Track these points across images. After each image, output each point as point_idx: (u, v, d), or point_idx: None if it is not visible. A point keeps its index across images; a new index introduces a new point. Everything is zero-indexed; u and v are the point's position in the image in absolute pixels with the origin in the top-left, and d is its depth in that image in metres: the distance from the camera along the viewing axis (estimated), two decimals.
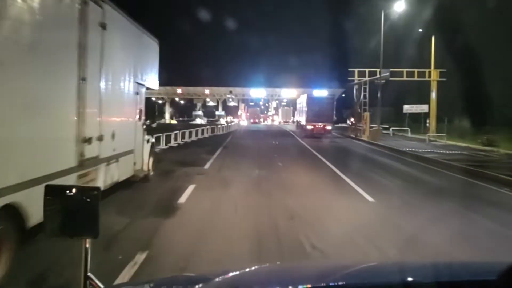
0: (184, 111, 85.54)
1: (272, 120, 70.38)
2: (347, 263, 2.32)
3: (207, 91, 71.73)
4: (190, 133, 23.03)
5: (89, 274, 1.41)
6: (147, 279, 2.63)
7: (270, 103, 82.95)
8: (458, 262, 2.25)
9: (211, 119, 75.00)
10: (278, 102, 78.91)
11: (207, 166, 12.44)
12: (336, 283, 1.44)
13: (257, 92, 71.00)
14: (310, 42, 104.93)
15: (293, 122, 61.40)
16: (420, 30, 32.41)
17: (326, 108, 29.04)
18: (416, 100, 37.51)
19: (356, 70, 31.47)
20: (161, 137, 17.38)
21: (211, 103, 79.01)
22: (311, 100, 29.54)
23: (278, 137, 29.64)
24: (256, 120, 68.26)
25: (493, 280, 1.06)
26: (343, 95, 68.92)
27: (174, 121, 71.32)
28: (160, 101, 76.91)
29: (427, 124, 31.36)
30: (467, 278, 1.44)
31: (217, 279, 1.51)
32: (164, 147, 17.31)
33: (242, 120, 68.36)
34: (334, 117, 32.23)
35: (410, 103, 36.06)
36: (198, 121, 70.54)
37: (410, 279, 1.46)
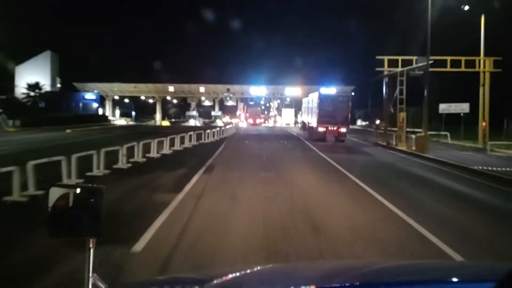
0: (181, 111, 77.83)
1: (275, 122, 63.13)
2: (352, 264, 2.23)
3: (202, 89, 64.57)
4: (161, 143, 15.79)
5: (93, 274, 1.40)
6: (149, 279, 2.27)
7: (272, 103, 75.71)
8: (459, 263, 2.32)
9: (207, 120, 68.01)
10: (280, 101, 71.51)
11: (145, 239, 5.26)
12: (340, 285, 1.42)
13: (258, 90, 63.83)
14: (316, 35, 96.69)
15: (296, 123, 54.36)
16: (466, 7, 25.25)
17: (341, 108, 24.97)
18: (439, 96, 30.53)
19: (385, 58, 24.32)
20: (94, 157, 10.13)
21: (207, 103, 71.80)
22: (323, 99, 25.29)
23: (286, 144, 22.67)
24: (257, 121, 61.02)
25: (497, 282, 1.09)
26: (353, 93, 62.10)
27: (166, 123, 64.27)
28: (150, 100, 69.74)
29: (483, 127, 24.25)
30: (468, 280, 1.44)
31: (220, 280, 1.50)
32: (101, 173, 10.13)
33: (241, 122, 61.17)
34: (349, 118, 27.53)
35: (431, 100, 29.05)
36: (192, 122, 63.49)
37: (413, 280, 1.48)
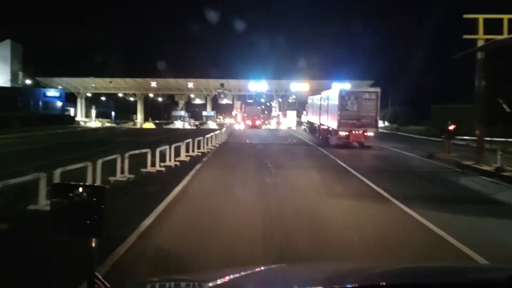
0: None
1: (278, 123, 52.73)
2: (356, 266, 2.20)
3: (190, 84, 54.14)
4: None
5: (95, 273, 1.41)
6: (150, 279, 2.10)
7: (274, 101, 65.39)
8: (463, 266, 2.24)
9: (197, 121, 57.90)
10: (281, 100, 60.71)
11: None
12: (342, 286, 1.43)
13: (258, 86, 53.47)
14: (328, 22, 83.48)
15: (300, 124, 45.30)
16: None
17: (368, 107, 21.14)
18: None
19: (480, 17, 13.94)
20: None
21: (198, 101, 61.29)
22: (345, 96, 21.47)
23: (309, 169, 12.32)
24: (256, 123, 50.51)
25: (500, 282, 1.08)
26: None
27: (149, 125, 53.98)
28: (131, 98, 59.29)
29: None
30: (473, 280, 1.47)
31: (221, 281, 1.50)
32: None
33: (237, 123, 50.87)
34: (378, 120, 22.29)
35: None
36: (178, 124, 53.29)
37: (416, 281, 1.49)
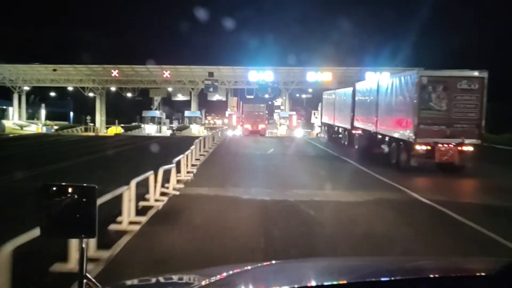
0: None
1: (290, 127, 37.97)
2: (355, 262, 2.22)
3: (167, 73, 39.09)
4: None
5: (86, 274, 1.39)
6: (143, 278, 2.06)
7: (279, 98, 50.80)
8: (457, 259, 2.25)
9: (177, 125, 43.27)
10: (286, 97, 45.33)
11: None
12: (337, 282, 1.42)
13: (261, 76, 38.53)
14: None
15: (310, 132, 36.25)
16: None
17: (466, 104, 13.55)
18: None
19: None
20: None
21: (180, 97, 46.18)
22: (429, 84, 13.67)
23: None
24: (259, 127, 35.91)
25: (494, 275, 1.05)
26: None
27: (115, 129, 39.36)
28: (91, 94, 44.12)
29: None
30: (468, 274, 1.45)
31: (214, 278, 1.47)
32: None
33: (232, 128, 36.14)
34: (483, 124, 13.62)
35: None
36: (149, 129, 38.49)
37: (409, 276, 1.46)
